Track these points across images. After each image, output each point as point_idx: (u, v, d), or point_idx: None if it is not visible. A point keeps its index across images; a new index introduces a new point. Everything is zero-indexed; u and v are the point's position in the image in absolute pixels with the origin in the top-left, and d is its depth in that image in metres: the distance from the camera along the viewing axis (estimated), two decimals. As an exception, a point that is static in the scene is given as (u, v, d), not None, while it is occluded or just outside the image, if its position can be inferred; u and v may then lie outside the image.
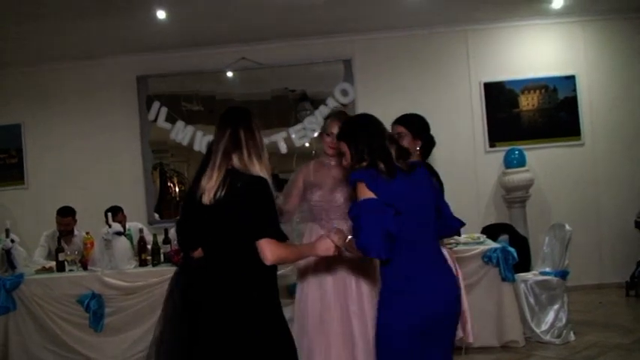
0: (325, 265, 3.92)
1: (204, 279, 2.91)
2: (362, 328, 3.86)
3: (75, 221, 6.71)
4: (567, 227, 5.89)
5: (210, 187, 2.85)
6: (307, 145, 7.97)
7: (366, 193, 2.81)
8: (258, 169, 2.89)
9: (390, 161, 2.89)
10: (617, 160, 7.77)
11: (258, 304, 2.83)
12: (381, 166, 2.86)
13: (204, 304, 2.87)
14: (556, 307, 5.69)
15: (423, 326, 2.80)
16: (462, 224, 3.31)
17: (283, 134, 7.95)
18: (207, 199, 2.85)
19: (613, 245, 7.70)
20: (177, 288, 3.11)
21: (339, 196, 4.00)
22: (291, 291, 5.02)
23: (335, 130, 3.88)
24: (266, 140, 7.89)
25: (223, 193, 2.82)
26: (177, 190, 8.55)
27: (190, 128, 7.96)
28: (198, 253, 3.05)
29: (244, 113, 3.02)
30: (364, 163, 2.92)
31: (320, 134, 4.29)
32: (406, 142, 3.61)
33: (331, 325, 3.92)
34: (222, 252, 2.89)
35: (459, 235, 5.19)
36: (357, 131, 3.00)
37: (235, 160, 2.89)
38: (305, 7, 6.75)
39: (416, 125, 3.77)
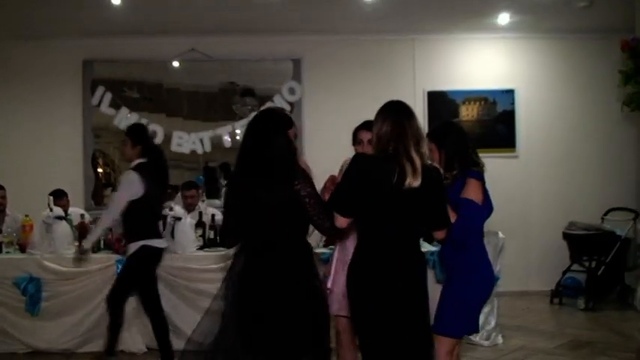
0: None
1: (396, 253, 3.09)
2: None
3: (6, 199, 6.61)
4: (500, 235, 6.13)
5: (417, 173, 2.99)
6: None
7: (477, 193, 3.48)
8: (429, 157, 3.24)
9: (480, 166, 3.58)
10: (549, 173, 8.15)
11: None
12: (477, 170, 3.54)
13: (403, 276, 3.09)
14: (486, 310, 5.87)
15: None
16: None
17: (228, 128, 8.00)
18: (415, 183, 2.99)
19: (540, 255, 8.06)
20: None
21: None
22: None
23: (367, 137, 3.92)
24: (211, 133, 7.98)
25: (426, 178, 3.02)
26: (110, 176, 8.51)
27: (134, 115, 7.91)
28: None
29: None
30: (454, 172, 3.53)
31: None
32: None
33: None
34: (408, 233, 3.13)
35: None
36: (447, 138, 3.59)
37: (424, 148, 3.13)
38: (260, 5, 6.81)
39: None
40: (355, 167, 3.09)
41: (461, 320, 3.50)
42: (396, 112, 3.16)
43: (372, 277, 3.08)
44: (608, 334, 6.22)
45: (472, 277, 3.49)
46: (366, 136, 3.84)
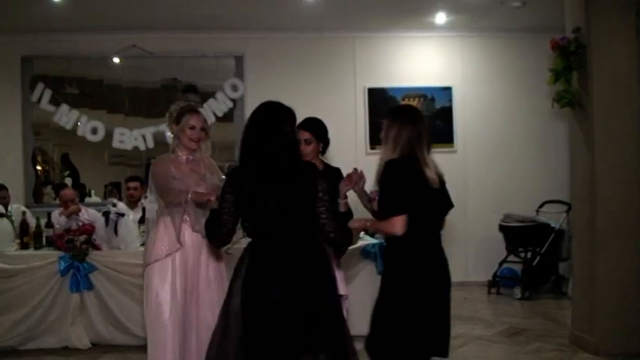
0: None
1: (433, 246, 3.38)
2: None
3: None
4: (439, 227, 6.30)
5: (436, 173, 3.31)
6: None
7: None
8: None
9: None
10: (485, 167, 8.41)
11: None
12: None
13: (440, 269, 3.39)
14: (426, 300, 6.07)
15: None
16: None
17: (171, 124, 7.95)
18: (436, 183, 3.30)
19: (478, 246, 8.32)
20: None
21: (203, 190, 3.84)
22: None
23: (199, 123, 4.00)
24: (153, 129, 7.91)
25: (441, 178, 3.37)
26: (49, 174, 8.42)
27: (75, 112, 7.84)
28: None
29: None
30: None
31: (174, 127, 4.17)
32: (312, 146, 3.88)
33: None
34: (437, 225, 3.44)
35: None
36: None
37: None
38: (201, 1, 6.84)
39: (321, 130, 3.96)
40: (397, 171, 3.29)
41: None
42: (412, 117, 3.39)
43: (427, 270, 3.31)
44: (543, 322, 6.46)
45: None
46: (303, 135, 3.80)
